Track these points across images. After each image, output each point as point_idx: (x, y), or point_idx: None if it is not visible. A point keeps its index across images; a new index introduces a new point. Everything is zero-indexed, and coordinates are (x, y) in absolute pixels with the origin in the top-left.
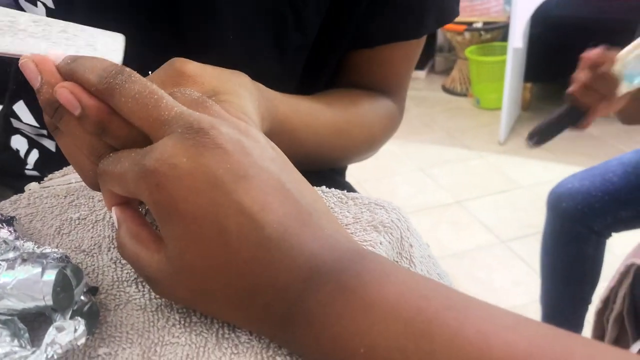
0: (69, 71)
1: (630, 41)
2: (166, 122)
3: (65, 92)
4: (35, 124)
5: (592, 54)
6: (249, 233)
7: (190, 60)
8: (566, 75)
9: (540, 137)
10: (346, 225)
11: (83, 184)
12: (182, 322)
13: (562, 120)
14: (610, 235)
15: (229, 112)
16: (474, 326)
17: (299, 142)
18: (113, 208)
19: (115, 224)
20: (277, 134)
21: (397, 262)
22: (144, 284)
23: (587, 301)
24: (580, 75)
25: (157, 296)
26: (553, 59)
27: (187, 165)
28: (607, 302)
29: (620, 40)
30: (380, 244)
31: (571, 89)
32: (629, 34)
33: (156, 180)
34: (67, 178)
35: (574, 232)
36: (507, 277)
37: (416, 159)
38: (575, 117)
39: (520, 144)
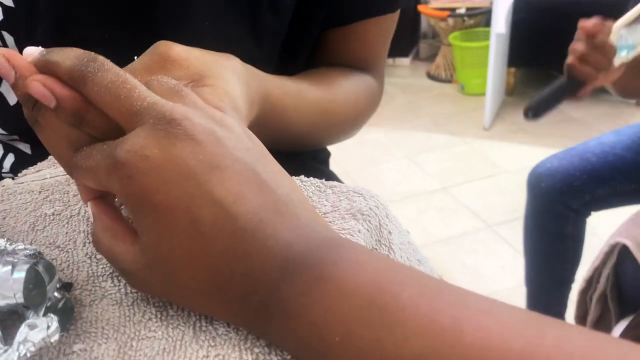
0: (43, 63)
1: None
2: (138, 112)
3: (37, 85)
4: (2, 131)
5: (589, 23)
6: (223, 224)
7: (176, 44)
8: (549, 59)
9: (537, 109)
10: (324, 213)
11: (58, 179)
12: (159, 316)
13: (559, 91)
14: (589, 214)
15: (210, 99)
16: (448, 311)
17: (289, 123)
18: (89, 203)
19: (91, 219)
20: (268, 116)
21: (376, 249)
22: (119, 278)
23: (569, 280)
24: (577, 46)
25: (133, 290)
26: (536, 43)
27: (158, 156)
28: (591, 281)
29: None
30: (359, 231)
31: (568, 60)
32: (612, 18)
33: (127, 173)
34: (42, 173)
35: (553, 211)
36: (494, 262)
37: (402, 147)
38: (572, 88)
39: (505, 129)
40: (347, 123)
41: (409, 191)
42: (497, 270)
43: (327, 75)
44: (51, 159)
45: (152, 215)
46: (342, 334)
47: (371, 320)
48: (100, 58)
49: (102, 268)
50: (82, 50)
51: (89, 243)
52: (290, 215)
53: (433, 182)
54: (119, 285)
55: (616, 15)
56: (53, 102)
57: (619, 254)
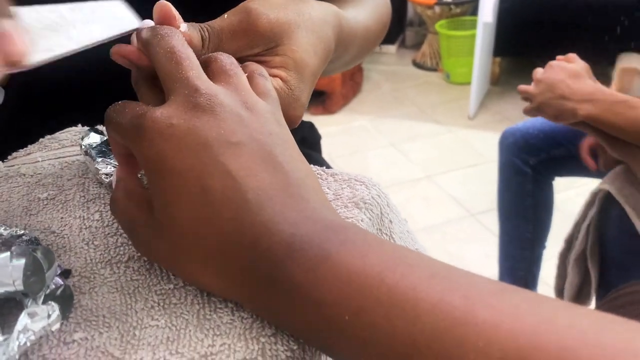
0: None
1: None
2: (178, 80)
3: (118, 58)
4: None
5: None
6: (232, 194)
7: (265, 12)
8: (534, 49)
9: None
10: None
11: (50, 162)
12: (161, 304)
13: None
14: (550, 176)
15: (261, 83)
16: (459, 292)
17: (347, 54)
18: (116, 169)
19: (114, 182)
20: (337, 54)
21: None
22: (118, 265)
23: (534, 245)
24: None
25: (134, 277)
26: (522, 33)
27: (182, 125)
28: (571, 241)
29: (590, 14)
30: (362, 220)
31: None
32: (599, 7)
33: (150, 136)
34: (33, 157)
35: (514, 166)
36: (477, 250)
37: (387, 134)
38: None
39: (490, 118)
40: (378, 39)
41: (393, 179)
42: (480, 258)
43: None
44: (42, 141)
45: (165, 180)
46: (352, 312)
47: (381, 299)
48: (173, 29)
49: (100, 255)
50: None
51: (86, 229)
52: (299, 198)
53: (418, 170)
54: (119, 273)
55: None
56: (133, 67)
57: (603, 206)
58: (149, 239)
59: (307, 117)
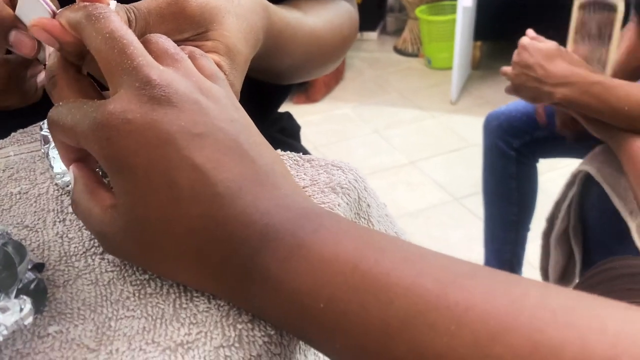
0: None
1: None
2: (126, 71)
3: (37, 30)
4: None
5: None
6: (200, 189)
7: None
8: (514, 33)
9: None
10: (304, 187)
11: (23, 156)
12: (137, 295)
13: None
14: (534, 158)
15: (206, 65)
16: (431, 275)
17: (287, 54)
18: (71, 166)
19: (72, 182)
20: (269, 49)
21: (355, 222)
22: (93, 257)
23: (518, 227)
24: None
25: (109, 269)
26: (502, 17)
27: (139, 120)
28: (553, 220)
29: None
30: (339, 205)
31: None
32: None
33: (107, 134)
34: (5, 151)
35: (498, 149)
36: (461, 233)
37: (370, 121)
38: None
39: (472, 102)
40: (336, 50)
41: (377, 165)
42: (464, 241)
43: (309, 3)
44: (14, 136)
45: (129, 178)
46: (326, 299)
47: (355, 285)
48: (101, 7)
49: (74, 247)
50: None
51: (60, 222)
52: (270, 186)
53: (401, 156)
54: (93, 265)
55: None
56: (56, 44)
57: (583, 187)
58: (117, 240)
59: (289, 107)
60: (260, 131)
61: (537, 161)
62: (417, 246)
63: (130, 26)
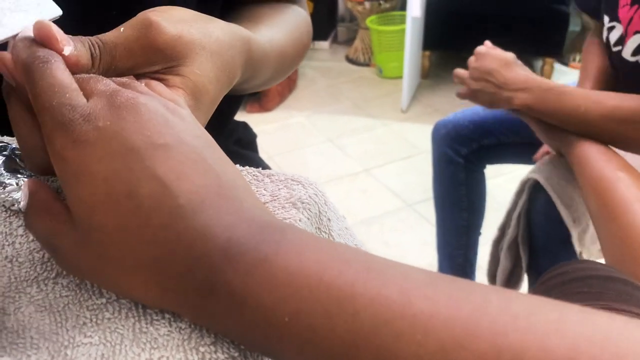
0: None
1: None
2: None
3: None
4: None
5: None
6: (161, 200)
7: (167, 27)
8: (462, 43)
9: None
10: (264, 203)
11: None
12: (94, 320)
13: None
14: (482, 164)
15: (165, 93)
16: (395, 285)
17: (258, 78)
18: (26, 181)
19: (25, 197)
20: (246, 77)
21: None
22: (46, 282)
23: (469, 232)
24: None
25: (63, 294)
26: (450, 27)
27: (109, 128)
28: (504, 229)
29: (515, 6)
30: (300, 220)
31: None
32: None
33: (74, 137)
34: None
35: (447, 157)
36: (415, 239)
37: (325, 130)
38: None
39: (421, 110)
40: (295, 60)
41: (332, 174)
42: (418, 246)
43: (272, 18)
44: None
45: (87, 185)
46: (291, 313)
47: (320, 297)
48: (46, 56)
49: (25, 272)
50: (36, 46)
51: (9, 245)
52: (233, 200)
53: (355, 164)
54: (46, 290)
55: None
56: (13, 82)
57: (531, 194)
58: (72, 254)
59: (243, 116)
60: (218, 143)
61: (484, 167)
62: (380, 257)
63: (94, 62)
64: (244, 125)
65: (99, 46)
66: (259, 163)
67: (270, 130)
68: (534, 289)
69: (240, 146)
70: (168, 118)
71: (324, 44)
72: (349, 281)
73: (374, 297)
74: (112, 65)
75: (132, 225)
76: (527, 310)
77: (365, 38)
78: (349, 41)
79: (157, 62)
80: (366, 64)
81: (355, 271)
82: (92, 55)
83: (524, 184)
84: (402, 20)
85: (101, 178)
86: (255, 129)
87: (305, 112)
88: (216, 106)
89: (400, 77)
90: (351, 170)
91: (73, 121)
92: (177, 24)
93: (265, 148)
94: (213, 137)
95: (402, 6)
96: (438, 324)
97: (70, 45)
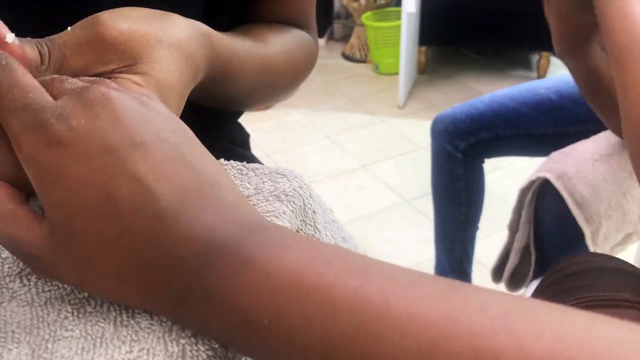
0: None
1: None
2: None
3: None
4: None
5: None
6: (142, 203)
7: (117, 20)
8: (458, 38)
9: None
10: (248, 196)
11: None
12: (76, 314)
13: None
14: (480, 158)
15: (135, 89)
16: (374, 285)
17: (234, 84)
18: None
19: None
20: (215, 79)
21: (301, 229)
22: (29, 277)
23: (467, 226)
24: None
25: (46, 289)
26: (445, 22)
27: (83, 127)
28: (513, 226)
29: (509, 2)
30: (284, 213)
31: None
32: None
33: (47, 138)
34: None
35: (445, 151)
36: (413, 234)
37: (322, 127)
38: None
39: (418, 106)
40: (287, 80)
41: (330, 171)
42: (416, 242)
43: (264, 32)
44: None
45: (64, 188)
46: (270, 316)
47: (299, 300)
48: (4, 58)
49: (8, 267)
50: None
51: None
52: (215, 199)
53: (353, 161)
54: (29, 285)
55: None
56: None
57: (539, 193)
58: (50, 261)
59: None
60: (213, 144)
61: (483, 162)
62: (362, 256)
63: (42, 59)
64: (239, 126)
65: (46, 44)
66: (252, 160)
67: (267, 129)
68: (539, 287)
69: (235, 145)
70: (143, 113)
71: (320, 41)
72: (328, 283)
73: (352, 299)
74: (63, 64)
75: (112, 230)
76: (505, 311)
77: (361, 35)
78: (345, 38)
79: (111, 60)
80: (362, 61)
81: (335, 272)
82: (40, 52)
83: (532, 182)
84: (398, 16)
85: (78, 181)
86: (252, 127)
87: (302, 109)
88: (184, 101)
89: (396, 73)
90: (349, 167)
91: (44, 121)
92: (128, 19)
93: (262, 146)
94: (212, 136)
95: (398, 2)
96: (415, 326)
97: (11, 33)
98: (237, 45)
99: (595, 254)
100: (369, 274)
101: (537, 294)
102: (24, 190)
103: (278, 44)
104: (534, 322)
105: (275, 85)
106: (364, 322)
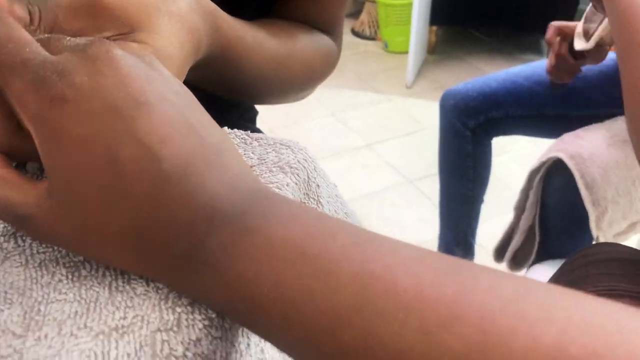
0: None
1: None
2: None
3: None
4: None
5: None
6: (145, 166)
7: None
8: (469, 19)
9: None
10: (251, 166)
11: None
12: (70, 277)
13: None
14: (488, 136)
15: (136, 49)
16: (380, 260)
17: (239, 71)
18: None
19: None
20: (217, 59)
21: (304, 203)
22: (24, 238)
23: (473, 201)
24: (550, 61)
25: (41, 250)
26: (457, 2)
27: (86, 85)
28: (519, 207)
29: None
30: (287, 185)
31: (548, 70)
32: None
33: (51, 96)
34: None
35: (454, 128)
36: (414, 215)
37: (328, 104)
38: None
39: (427, 86)
40: (300, 82)
41: (334, 148)
42: (417, 223)
43: (286, 28)
44: None
45: (66, 149)
46: (271, 286)
47: (302, 271)
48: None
49: (3, 227)
50: None
51: None
52: (219, 166)
53: (358, 139)
54: (24, 246)
55: None
56: None
57: (547, 175)
58: (46, 223)
59: None
60: (223, 119)
61: (491, 139)
62: (368, 231)
63: (32, 18)
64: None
65: (37, 5)
66: (255, 132)
67: None
68: (557, 270)
69: (243, 120)
70: (147, 73)
71: None
72: (333, 256)
73: (357, 273)
74: (54, 27)
75: (113, 193)
76: (517, 294)
77: (372, 11)
78: (356, 14)
79: (106, 26)
80: (372, 38)
81: (341, 245)
82: (30, 12)
83: (542, 163)
84: None
85: (81, 142)
86: (270, 104)
87: None
88: (184, 76)
89: (406, 52)
90: (353, 145)
91: (45, 78)
92: None
93: (267, 121)
94: (225, 113)
95: None
96: (422, 304)
97: None
98: (246, 32)
99: (624, 245)
100: (375, 248)
101: (561, 276)
102: (16, 159)
103: (296, 42)
104: (547, 307)
105: (286, 83)
106: (369, 297)
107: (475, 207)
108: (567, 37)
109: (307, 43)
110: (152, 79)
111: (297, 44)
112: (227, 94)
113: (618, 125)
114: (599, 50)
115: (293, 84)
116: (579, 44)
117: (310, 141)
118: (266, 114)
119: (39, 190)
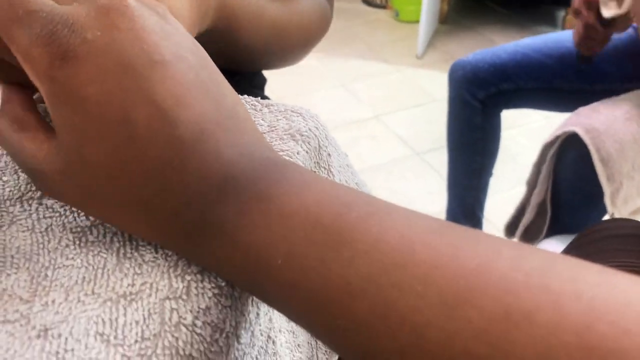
0: None
1: None
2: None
3: None
4: None
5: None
6: (159, 129)
7: None
8: None
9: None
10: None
11: None
12: (77, 243)
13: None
14: (498, 108)
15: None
16: (397, 231)
17: (242, 40)
18: (1, 86)
19: None
20: (221, 30)
21: (315, 171)
22: (30, 202)
23: (481, 174)
24: (578, 29)
25: (47, 215)
26: None
27: (99, 41)
28: (532, 182)
29: None
30: (298, 153)
31: (576, 41)
32: None
33: (62, 52)
34: None
35: (463, 99)
36: (421, 187)
37: (337, 74)
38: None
39: (438, 57)
40: (299, 46)
41: (342, 119)
42: (424, 195)
43: None
44: None
45: (78, 109)
46: (283, 255)
47: (315, 241)
48: None
49: (9, 191)
50: None
51: None
52: (233, 132)
53: (366, 110)
54: (30, 210)
55: None
56: None
57: (560, 149)
58: (55, 181)
59: None
60: (229, 79)
61: (501, 111)
62: (383, 201)
63: None
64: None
65: None
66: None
67: (281, 72)
68: (571, 242)
69: (251, 86)
70: (163, 27)
71: None
72: (348, 226)
73: (372, 244)
74: None
75: (126, 157)
76: (541, 268)
77: None
78: None
79: None
80: (382, 6)
81: (356, 215)
82: None
83: (557, 137)
84: None
85: (93, 102)
86: (267, 70)
87: (317, 54)
88: (195, 35)
89: (417, 22)
90: (362, 116)
91: (55, 33)
92: None
93: (275, 90)
94: (238, 80)
95: None
96: (441, 276)
97: None
98: (250, 1)
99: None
100: (391, 219)
101: (574, 248)
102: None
103: (294, 7)
104: (573, 281)
105: (286, 49)
106: (385, 269)
107: (483, 180)
108: (592, 5)
109: (304, 6)
110: (168, 34)
111: (295, 8)
112: (227, 64)
113: (635, 99)
114: (627, 16)
115: (291, 49)
116: (608, 12)
117: (318, 111)
118: (274, 83)
119: (51, 147)
